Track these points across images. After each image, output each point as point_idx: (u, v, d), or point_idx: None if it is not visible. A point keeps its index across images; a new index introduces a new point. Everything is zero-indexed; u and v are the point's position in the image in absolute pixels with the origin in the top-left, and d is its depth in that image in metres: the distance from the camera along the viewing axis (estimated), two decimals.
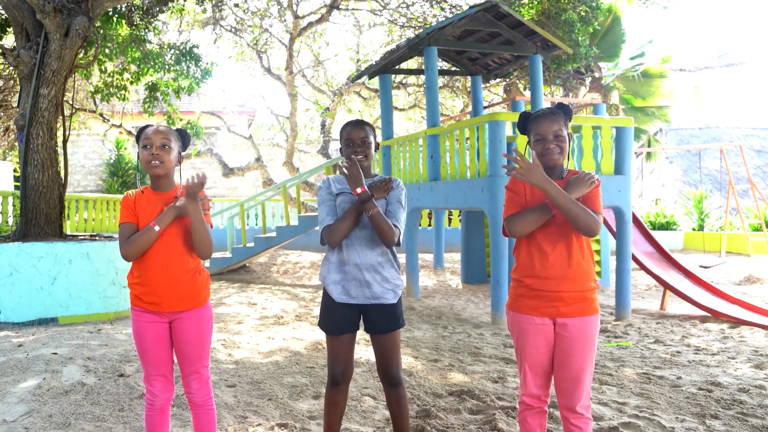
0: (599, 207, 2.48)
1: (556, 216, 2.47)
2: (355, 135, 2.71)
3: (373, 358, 4.77)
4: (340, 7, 14.35)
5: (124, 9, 9.34)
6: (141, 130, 2.60)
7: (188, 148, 2.72)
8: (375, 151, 2.79)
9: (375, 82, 13.71)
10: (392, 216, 2.73)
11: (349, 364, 2.82)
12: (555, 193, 2.37)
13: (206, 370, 2.67)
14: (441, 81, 14.95)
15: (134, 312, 2.60)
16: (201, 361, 2.64)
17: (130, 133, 14.95)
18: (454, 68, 11.12)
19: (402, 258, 13.34)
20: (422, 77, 14.04)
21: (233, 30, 15.08)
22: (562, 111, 2.51)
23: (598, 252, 9.72)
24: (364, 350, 5.20)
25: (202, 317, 2.62)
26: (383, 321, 2.75)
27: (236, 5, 14.20)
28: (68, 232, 8.59)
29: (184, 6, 11.44)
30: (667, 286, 7.69)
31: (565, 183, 2.50)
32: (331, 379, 2.80)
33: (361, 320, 2.82)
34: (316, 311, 7.53)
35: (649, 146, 16.90)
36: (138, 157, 2.61)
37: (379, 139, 14.90)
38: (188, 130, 14.45)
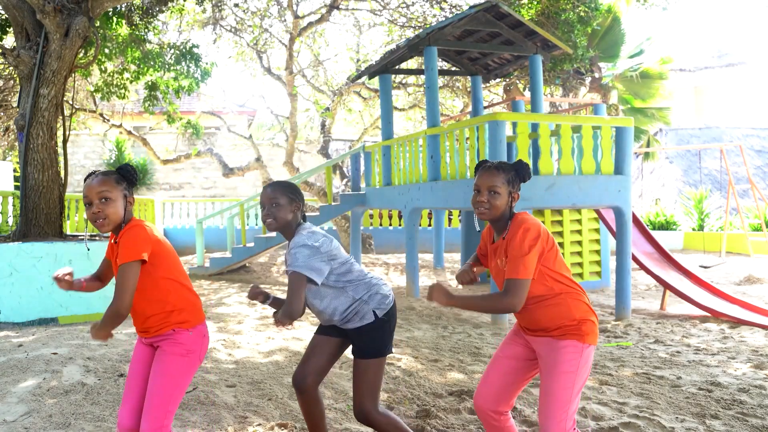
0: (521, 271, 2.32)
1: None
2: (264, 197, 2.68)
3: None
4: (340, 7, 14.35)
5: (124, 9, 9.34)
6: (86, 178, 2.42)
7: (136, 182, 2.39)
8: (297, 211, 2.68)
9: (375, 82, 13.71)
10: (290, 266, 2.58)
11: (310, 367, 2.75)
12: (463, 305, 2.46)
13: (159, 419, 2.32)
14: (441, 81, 14.94)
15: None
16: (152, 398, 2.33)
17: (130, 133, 14.95)
18: (454, 68, 11.12)
19: (402, 258, 13.32)
20: (422, 77, 14.03)
21: (233, 30, 15.07)
22: (513, 169, 2.45)
23: (598, 252, 9.71)
24: None
25: (174, 342, 2.41)
26: (356, 343, 2.72)
27: (236, 5, 14.19)
28: (68, 232, 8.58)
29: (184, 6, 11.44)
30: (667, 286, 7.69)
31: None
32: (293, 383, 2.79)
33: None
34: None
35: (648, 146, 16.90)
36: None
37: (379, 139, 14.91)
38: (188, 130, 14.38)
